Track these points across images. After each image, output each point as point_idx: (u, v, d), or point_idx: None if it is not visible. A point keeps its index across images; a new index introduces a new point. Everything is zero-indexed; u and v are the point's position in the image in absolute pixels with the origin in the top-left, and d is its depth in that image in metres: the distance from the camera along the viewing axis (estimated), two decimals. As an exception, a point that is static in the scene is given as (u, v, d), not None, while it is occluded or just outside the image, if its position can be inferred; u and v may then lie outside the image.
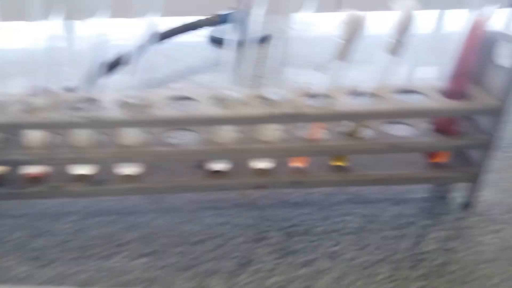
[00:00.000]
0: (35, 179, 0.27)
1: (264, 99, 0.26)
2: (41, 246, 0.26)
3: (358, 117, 0.26)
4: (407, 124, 0.29)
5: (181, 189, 0.28)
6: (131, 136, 0.26)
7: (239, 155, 0.27)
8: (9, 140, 0.26)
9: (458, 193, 0.30)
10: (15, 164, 0.27)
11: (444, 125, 0.28)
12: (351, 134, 0.27)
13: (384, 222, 0.28)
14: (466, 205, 0.29)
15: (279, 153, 0.27)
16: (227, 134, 0.27)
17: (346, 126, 0.27)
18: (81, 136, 0.26)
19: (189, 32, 0.48)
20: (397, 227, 0.28)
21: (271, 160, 0.28)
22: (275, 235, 0.27)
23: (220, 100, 0.26)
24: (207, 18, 0.49)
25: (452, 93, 0.27)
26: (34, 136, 0.26)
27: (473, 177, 0.28)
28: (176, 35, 0.46)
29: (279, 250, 0.26)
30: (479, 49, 0.26)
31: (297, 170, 0.28)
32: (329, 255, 0.26)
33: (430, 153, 0.29)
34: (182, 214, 0.29)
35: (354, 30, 0.25)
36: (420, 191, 0.31)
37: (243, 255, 0.26)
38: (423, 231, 0.28)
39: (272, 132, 0.27)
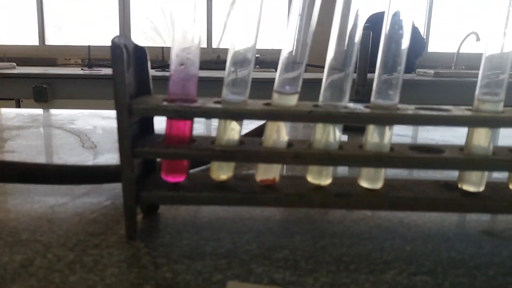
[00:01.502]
0: (270, 186, 0.25)
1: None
2: (285, 258, 0.22)
3: None
4: None
5: (436, 207, 0.24)
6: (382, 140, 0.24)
7: (506, 167, 0.23)
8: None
9: None
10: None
11: None
12: None
13: None
14: None
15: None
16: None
17: None
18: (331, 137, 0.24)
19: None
20: None
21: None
22: None
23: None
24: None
25: None
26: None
27: None
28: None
29: None
30: None
31: None
32: None
33: None
34: (432, 242, 0.24)
35: None
36: None
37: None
38: None
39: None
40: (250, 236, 0.24)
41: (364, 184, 0.25)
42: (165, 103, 0.24)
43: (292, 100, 0.25)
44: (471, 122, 0.24)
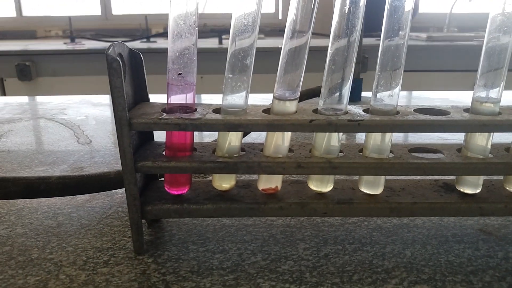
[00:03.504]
0: (272, 195, 0.25)
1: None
2: (290, 270, 0.22)
3: None
4: None
5: (434, 212, 0.25)
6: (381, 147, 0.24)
7: (503, 171, 0.24)
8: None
9: None
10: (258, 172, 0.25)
11: None
12: None
13: None
14: None
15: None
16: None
17: None
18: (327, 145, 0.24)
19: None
20: None
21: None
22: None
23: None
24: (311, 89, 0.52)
25: None
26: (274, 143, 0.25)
27: None
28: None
29: None
30: None
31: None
32: None
33: None
34: (431, 246, 0.25)
35: None
36: None
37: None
38: None
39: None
40: (255, 245, 0.25)
41: (365, 189, 0.25)
42: (164, 115, 0.24)
43: (292, 106, 0.25)
44: (469, 127, 0.24)
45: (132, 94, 0.26)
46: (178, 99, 0.25)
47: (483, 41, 0.24)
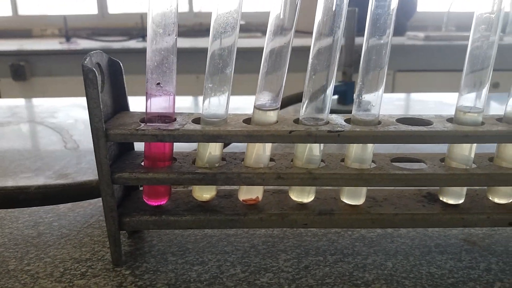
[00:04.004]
0: (252, 206, 0.25)
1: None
2: (269, 283, 0.22)
3: None
4: None
5: (416, 223, 0.24)
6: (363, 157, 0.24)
7: (485, 182, 0.24)
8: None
9: None
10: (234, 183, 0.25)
11: None
12: None
13: None
14: None
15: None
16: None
17: None
18: (306, 156, 0.24)
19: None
20: None
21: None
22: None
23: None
24: (295, 94, 0.51)
25: None
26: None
27: None
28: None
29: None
30: None
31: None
32: None
33: None
34: (413, 256, 0.24)
35: None
36: None
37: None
38: None
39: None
40: (235, 257, 0.24)
41: (346, 200, 0.25)
42: (142, 125, 0.24)
43: (272, 116, 0.25)
44: (450, 138, 0.23)
45: (111, 104, 0.26)
46: (157, 108, 0.25)
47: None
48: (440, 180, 0.24)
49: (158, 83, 0.25)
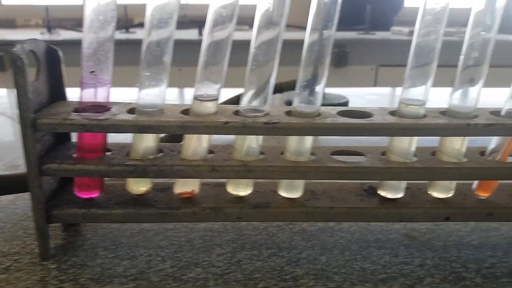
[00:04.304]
0: (187, 200, 0.24)
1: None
2: (196, 278, 0.22)
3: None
4: None
5: (351, 217, 0.24)
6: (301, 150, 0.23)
7: (423, 176, 0.23)
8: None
9: None
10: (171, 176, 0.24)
11: None
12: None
13: None
14: None
15: (469, 175, 0.23)
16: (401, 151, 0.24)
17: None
18: (244, 147, 0.23)
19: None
20: None
21: (453, 187, 0.24)
22: (470, 277, 0.22)
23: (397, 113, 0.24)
24: (286, 82, 0.50)
25: None
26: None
27: None
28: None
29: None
30: None
31: (483, 200, 0.24)
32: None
33: None
34: (349, 251, 0.24)
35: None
36: None
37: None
38: None
39: (457, 150, 0.24)
40: (168, 251, 0.24)
41: (283, 193, 0.24)
42: (72, 115, 0.23)
43: (211, 107, 0.24)
44: (388, 131, 0.23)
45: (48, 92, 0.25)
46: (90, 97, 0.24)
47: (464, 36, 0.23)
48: (377, 174, 0.23)
49: (92, 71, 0.24)
